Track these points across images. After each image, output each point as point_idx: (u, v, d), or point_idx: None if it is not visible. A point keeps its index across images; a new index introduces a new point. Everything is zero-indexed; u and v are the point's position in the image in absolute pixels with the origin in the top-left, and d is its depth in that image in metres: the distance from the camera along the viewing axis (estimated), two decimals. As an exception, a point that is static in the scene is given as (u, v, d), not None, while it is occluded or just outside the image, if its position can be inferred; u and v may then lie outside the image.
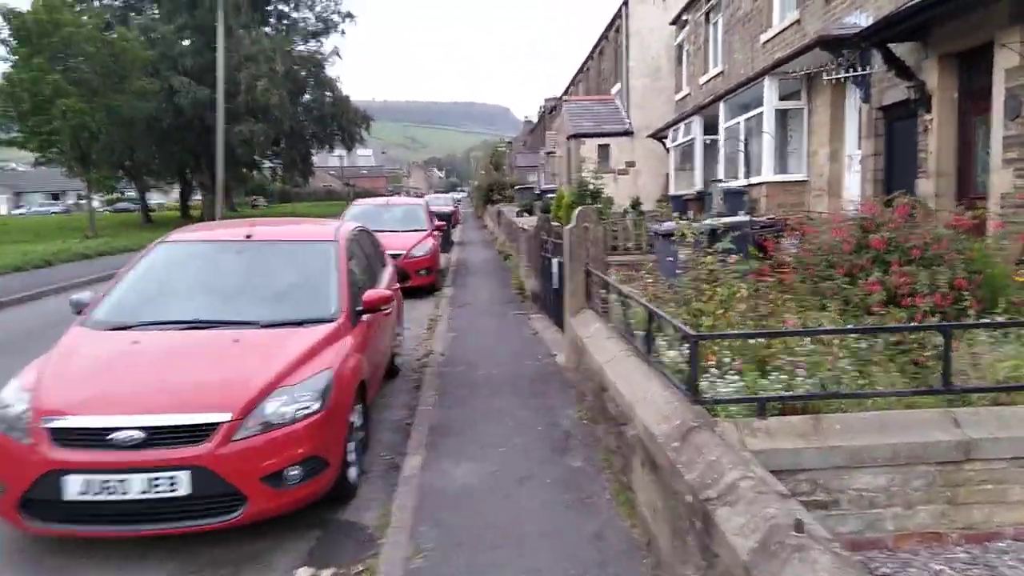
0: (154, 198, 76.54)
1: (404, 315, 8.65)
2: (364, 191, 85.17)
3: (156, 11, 37.68)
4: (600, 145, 23.89)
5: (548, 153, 32.90)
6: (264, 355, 4.42)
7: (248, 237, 5.60)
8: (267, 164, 47.58)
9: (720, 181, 13.87)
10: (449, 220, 21.38)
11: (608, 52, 27.61)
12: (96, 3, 35.91)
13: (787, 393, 3.43)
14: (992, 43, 8.07)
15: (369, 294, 5.39)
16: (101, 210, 70.66)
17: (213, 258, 5.58)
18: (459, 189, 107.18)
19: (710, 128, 17.52)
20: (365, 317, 5.36)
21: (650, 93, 23.42)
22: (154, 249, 5.59)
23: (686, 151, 19.83)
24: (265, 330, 4.75)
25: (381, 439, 5.72)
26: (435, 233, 14.01)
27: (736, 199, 13.30)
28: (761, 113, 13.49)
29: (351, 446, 4.62)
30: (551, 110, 47.15)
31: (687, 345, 4.24)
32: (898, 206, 5.23)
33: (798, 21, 13.37)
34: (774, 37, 14.40)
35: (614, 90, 26.02)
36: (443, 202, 31.41)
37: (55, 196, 75.51)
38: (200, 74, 35.21)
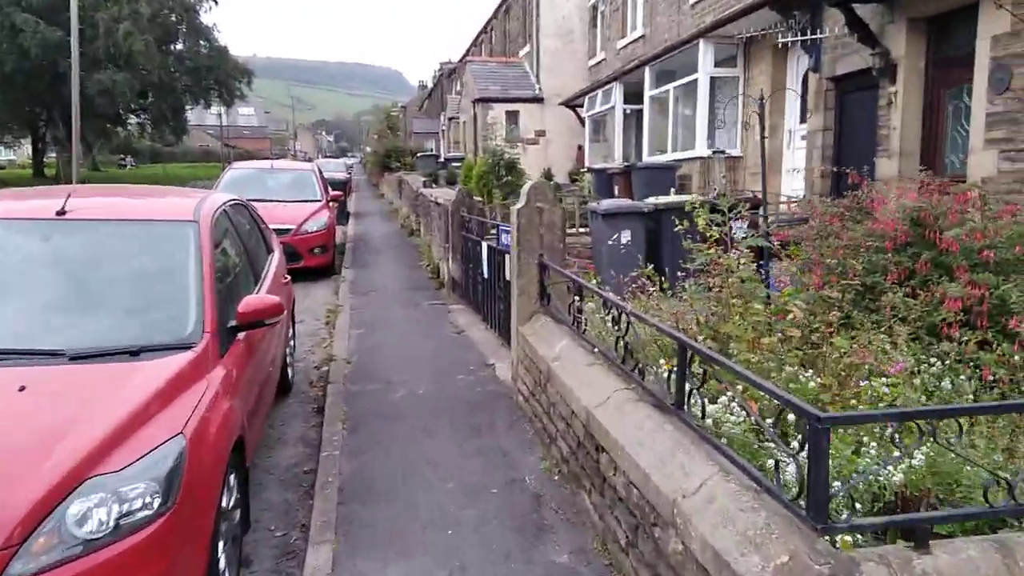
0: (2, 154, 68.22)
1: (296, 306, 6.92)
2: (246, 153, 79.70)
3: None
4: (508, 112, 22.35)
5: (451, 119, 31.02)
6: (70, 413, 2.70)
7: (61, 214, 3.74)
8: (133, 119, 42.85)
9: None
10: (345, 188, 19.33)
11: (515, 10, 25.97)
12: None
13: (972, 509, 2.13)
14: (976, 5, 7.20)
15: (249, 301, 3.69)
16: (-63, 166, 62.29)
17: (4, 247, 3.69)
18: (350, 154, 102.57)
19: (631, 97, 16.39)
20: (242, 335, 3.69)
21: (562, 57, 22.05)
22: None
23: (600, 121, 18.67)
24: (76, 366, 3.00)
25: (270, 499, 4.09)
26: (330, 204, 12.12)
27: (661, 176, 12.21)
28: (693, 81, 12.42)
29: (221, 546, 2.99)
30: (449, 74, 44.99)
31: (732, 394, 2.90)
32: (959, 192, 4.08)
33: (736, -19, 12.33)
34: (706, -2, 13.30)
35: (522, 52, 24.47)
36: (335, 168, 28.95)
37: None
38: (49, 13, 30.66)
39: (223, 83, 40.20)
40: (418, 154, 28.52)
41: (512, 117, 22.28)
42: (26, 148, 54.46)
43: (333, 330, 7.81)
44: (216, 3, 40.16)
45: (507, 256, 6.35)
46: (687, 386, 2.83)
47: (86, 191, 4.59)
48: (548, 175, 20.38)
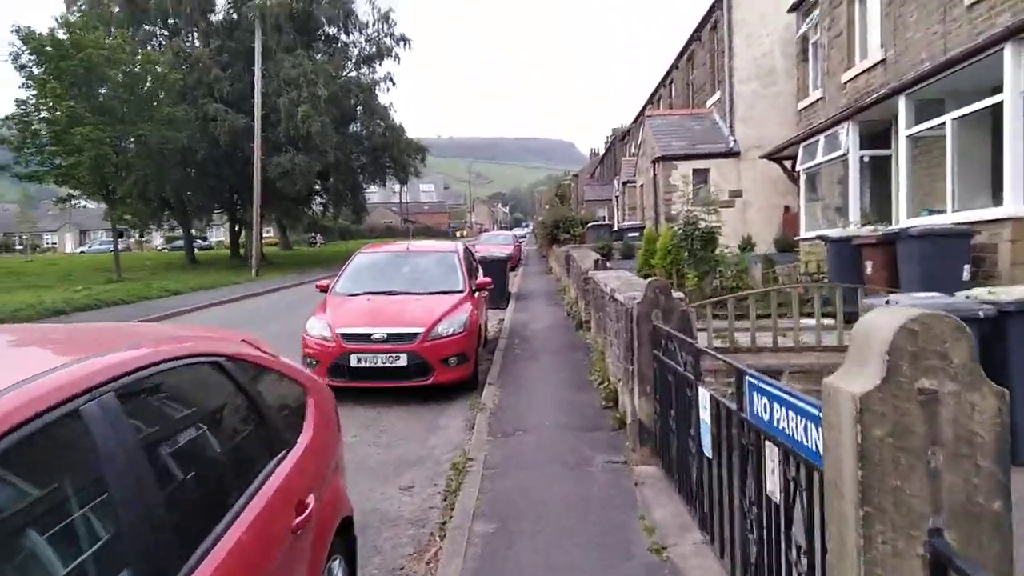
0: (216, 235, 75.03)
1: (414, 452, 3.99)
2: (424, 227, 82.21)
3: (195, 33, 34.96)
4: (696, 170, 19.01)
5: (625, 183, 28.10)
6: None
7: None
8: (317, 199, 44.42)
9: None
10: (504, 266, 16.79)
11: (700, 56, 22.79)
12: (131, 29, 33.26)
13: None
14: None
15: None
16: (161, 248, 69.55)
17: None
18: (524, 224, 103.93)
19: (866, 140, 12.49)
20: None
21: (761, 101, 18.47)
22: None
23: (818, 174, 14.78)
24: None
25: None
26: (476, 295, 9.38)
27: (946, 248, 8.22)
28: (993, 106, 8.45)
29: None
30: (622, 137, 42.50)
31: None
32: None
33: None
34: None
35: (710, 102, 21.13)
36: (500, 241, 26.90)
37: (120, 234, 74.51)
38: (238, 101, 32.15)
39: (397, 160, 40.47)
40: (589, 224, 25.76)
41: (699, 175, 18.89)
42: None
43: (449, 514, 4.85)
44: (393, 83, 41.05)
45: (767, 446, 3.04)
46: None
47: None
48: (748, 244, 16.67)
